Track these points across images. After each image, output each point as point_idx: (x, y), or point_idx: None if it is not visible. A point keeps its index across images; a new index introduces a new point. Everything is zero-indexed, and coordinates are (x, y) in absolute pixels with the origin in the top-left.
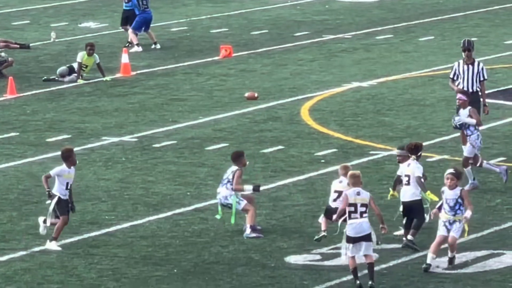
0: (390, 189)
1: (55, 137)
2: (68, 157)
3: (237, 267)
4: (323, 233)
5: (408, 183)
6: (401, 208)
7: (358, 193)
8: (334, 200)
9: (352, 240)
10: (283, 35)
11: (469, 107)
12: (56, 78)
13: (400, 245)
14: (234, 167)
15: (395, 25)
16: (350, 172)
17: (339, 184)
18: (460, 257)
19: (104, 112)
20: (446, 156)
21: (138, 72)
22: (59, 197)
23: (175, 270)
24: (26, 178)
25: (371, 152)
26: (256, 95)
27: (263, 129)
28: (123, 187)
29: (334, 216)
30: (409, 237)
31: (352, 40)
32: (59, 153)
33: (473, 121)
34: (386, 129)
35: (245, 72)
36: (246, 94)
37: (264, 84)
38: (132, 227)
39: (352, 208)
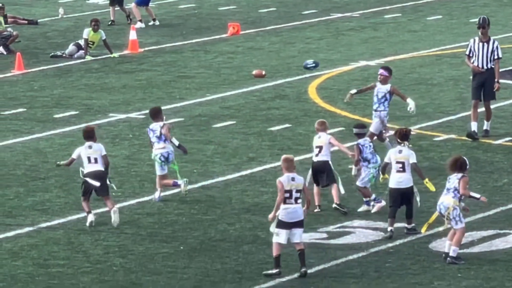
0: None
1: (63, 113)
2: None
3: (243, 245)
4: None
5: (403, 170)
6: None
7: (293, 179)
8: (316, 154)
9: (285, 225)
10: (291, 13)
11: (389, 84)
12: (64, 55)
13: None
14: (158, 123)
15: (403, 4)
16: (283, 157)
17: (319, 139)
18: (467, 237)
19: (111, 89)
20: (453, 136)
21: (146, 49)
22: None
23: (182, 247)
24: (33, 154)
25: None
26: (263, 73)
27: (271, 107)
28: (130, 163)
29: (271, 216)
30: (409, 226)
31: (360, 19)
32: (66, 129)
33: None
34: (394, 108)
35: (253, 50)
36: (254, 72)
37: (271, 62)
38: (138, 204)
39: (287, 194)
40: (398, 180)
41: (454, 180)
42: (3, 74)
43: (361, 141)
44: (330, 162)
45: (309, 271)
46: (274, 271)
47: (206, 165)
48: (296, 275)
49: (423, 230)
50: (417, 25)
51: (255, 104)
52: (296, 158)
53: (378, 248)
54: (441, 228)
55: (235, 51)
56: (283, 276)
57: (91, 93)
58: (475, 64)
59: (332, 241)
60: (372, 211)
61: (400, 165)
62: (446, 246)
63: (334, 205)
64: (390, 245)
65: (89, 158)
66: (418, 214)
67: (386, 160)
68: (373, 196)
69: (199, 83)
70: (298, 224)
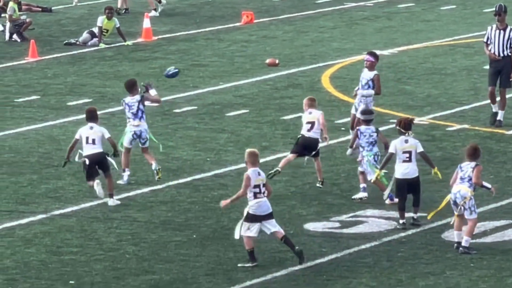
0: (377, 171)
1: (76, 101)
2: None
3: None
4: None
5: (409, 160)
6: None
7: (259, 173)
8: (308, 130)
9: (257, 219)
10: (305, 2)
11: (375, 72)
12: (78, 42)
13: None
14: (134, 97)
15: None
16: (248, 151)
17: (310, 115)
18: (479, 227)
19: (125, 77)
20: (466, 126)
21: (160, 37)
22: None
23: (194, 236)
24: (47, 142)
25: (391, 121)
26: (277, 61)
27: (284, 96)
28: None
29: (224, 202)
30: (415, 215)
31: (373, 8)
32: (80, 116)
33: (372, 92)
34: (407, 97)
35: (267, 39)
36: (267, 61)
37: (285, 51)
38: (152, 192)
39: (257, 189)
40: (404, 170)
41: (467, 169)
42: (17, 61)
43: (362, 127)
44: (319, 140)
45: (321, 260)
46: (250, 264)
47: (219, 153)
48: (309, 263)
49: (429, 217)
50: (431, 14)
51: (269, 93)
52: None
53: (391, 237)
54: (451, 221)
55: (248, 39)
56: (295, 264)
57: (104, 80)
58: (492, 51)
59: (345, 230)
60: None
61: (407, 155)
62: (455, 236)
63: (318, 184)
64: (402, 234)
65: (87, 139)
66: (431, 203)
67: (391, 150)
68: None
69: (212, 72)
70: (270, 216)
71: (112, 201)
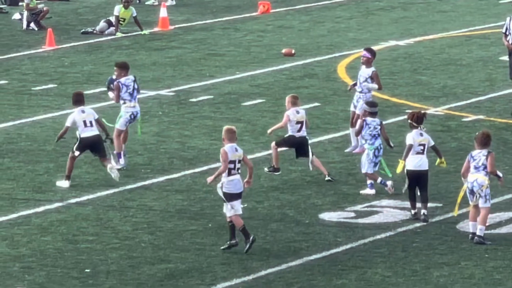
0: (401, 161)
1: (93, 90)
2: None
3: (271, 223)
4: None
5: (423, 152)
6: (407, 181)
7: (236, 149)
8: (299, 130)
9: (235, 196)
10: None
11: (372, 68)
12: (95, 31)
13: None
14: (130, 77)
15: None
16: (225, 128)
17: (299, 115)
18: (494, 218)
19: (141, 66)
20: (481, 116)
21: (176, 26)
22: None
23: (210, 225)
24: None
25: (407, 111)
26: (293, 51)
27: (300, 85)
28: (159, 140)
29: (209, 179)
30: (425, 212)
31: None
32: (96, 105)
33: (375, 87)
34: (423, 88)
35: (283, 29)
36: (283, 51)
37: (301, 41)
38: (167, 181)
39: (232, 165)
40: (418, 162)
41: (480, 157)
42: (34, 50)
43: (368, 119)
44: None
45: (336, 250)
46: (248, 242)
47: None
48: (324, 253)
49: (455, 213)
50: (447, 5)
51: (285, 83)
52: (325, 137)
53: (406, 227)
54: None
55: (265, 29)
56: (311, 254)
57: None
58: (510, 42)
59: (360, 220)
60: (390, 192)
61: (422, 147)
62: (470, 226)
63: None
64: (417, 225)
65: (84, 122)
66: (446, 194)
67: (410, 142)
68: (379, 179)
69: (229, 61)
70: (240, 195)
71: (115, 172)
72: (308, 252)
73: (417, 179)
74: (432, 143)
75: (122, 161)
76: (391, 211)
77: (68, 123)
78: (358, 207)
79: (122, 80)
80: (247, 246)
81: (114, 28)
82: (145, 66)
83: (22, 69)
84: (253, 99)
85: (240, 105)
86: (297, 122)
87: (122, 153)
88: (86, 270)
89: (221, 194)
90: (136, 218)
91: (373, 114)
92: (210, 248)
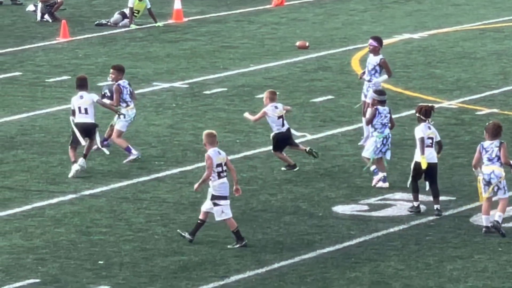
0: (422, 156)
1: (107, 82)
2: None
3: (284, 216)
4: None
5: (432, 145)
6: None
7: (219, 153)
8: (282, 125)
9: (226, 199)
10: None
11: (380, 56)
12: (109, 23)
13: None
14: (125, 81)
15: None
16: (206, 132)
17: (278, 110)
18: (508, 211)
19: (155, 58)
20: (495, 110)
21: (190, 18)
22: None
23: None
24: None
25: (421, 104)
26: (307, 44)
27: (314, 78)
28: (173, 133)
29: (196, 187)
30: (438, 206)
31: None
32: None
33: (385, 77)
34: (436, 81)
35: (297, 21)
36: (297, 43)
37: (315, 34)
38: (181, 173)
39: (220, 168)
40: (427, 155)
41: (492, 148)
42: (48, 41)
43: (380, 108)
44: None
45: (350, 243)
46: (239, 244)
47: (249, 135)
48: (337, 246)
49: (481, 200)
50: None
51: (298, 76)
52: (338, 130)
53: (419, 221)
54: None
55: (279, 22)
56: (324, 247)
57: (135, 61)
58: None
59: (373, 213)
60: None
61: (430, 141)
62: (483, 220)
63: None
64: (431, 218)
65: (79, 109)
66: (460, 187)
67: (422, 135)
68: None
69: (242, 54)
70: (227, 198)
71: (81, 161)
72: (322, 245)
73: (426, 172)
74: (439, 138)
75: (134, 151)
76: (404, 204)
77: (72, 106)
78: (372, 200)
79: (121, 82)
80: (238, 246)
81: (128, 20)
82: (159, 58)
83: (36, 61)
84: None
85: (254, 97)
86: (279, 117)
87: (128, 146)
88: (100, 262)
89: (209, 197)
90: (149, 210)
91: (382, 103)
92: (223, 241)
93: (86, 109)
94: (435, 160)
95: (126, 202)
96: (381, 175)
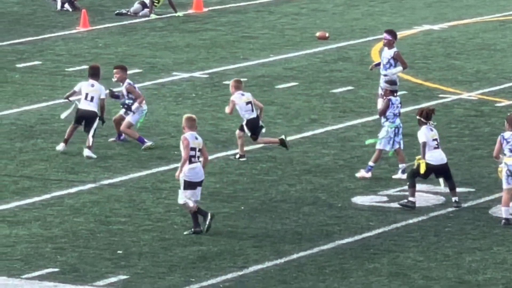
0: (422, 161)
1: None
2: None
3: (303, 206)
4: None
5: (438, 146)
6: (441, 180)
7: (196, 137)
8: (251, 111)
9: (193, 186)
10: None
11: (394, 49)
12: (129, 13)
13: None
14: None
15: None
16: (186, 116)
17: (244, 97)
18: None
19: (175, 48)
20: None
21: (210, 8)
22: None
23: (242, 207)
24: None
25: (441, 95)
26: (327, 35)
27: (333, 69)
28: None
29: (177, 174)
30: (456, 198)
31: None
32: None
33: (400, 69)
34: (456, 72)
35: (317, 12)
36: (317, 34)
37: (335, 24)
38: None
39: (193, 152)
40: (438, 157)
41: None
42: (68, 30)
43: (392, 98)
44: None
45: (369, 234)
46: (207, 219)
47: (268, 125)
48: (356, 237)
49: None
50: None
51: (318, 66)
52: (358, 121)
53: (438, 212)
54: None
55: (299, 12)
56: (343, 238)
57: (155, 51)
58: None
59: (393, 205)
60: (357, 174)
61: (436, 142)
62: (502, 212)
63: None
64: (450, 209)
65: (86, 95)
66: (479, 179)
67: (424, 139)
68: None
69: (262, 44)
70: (201, 183)
71: (61, 146)
72: (340, 235)
73: (442, 172)
74: (439, 140)
75: (147, 140)
76: (423, 196)
77: (76, 87)
78: (391, 191)
79: (129, 81)
80: (207, 223)
81: (148, 9)
82: (178, 48)
83: (56, 50)
84: (287, 82)
85: (274, 88)
86: (247, 103)
87: (140, 136)
88: (119, 252)
89: (181, 181)
90: (168, 200)
91: (394, 92)
92: (242, 231)
93: (92, 98)
94: (445, 161)
95: (145, 192)
96: (401, 166)
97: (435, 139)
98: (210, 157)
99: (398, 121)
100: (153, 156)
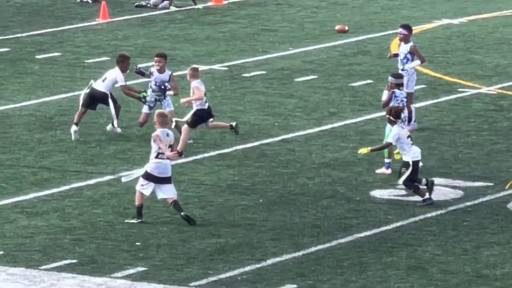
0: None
1: (146, 63)
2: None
3: (322, 199)
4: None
5: (412, 143)
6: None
7: (168, 135)
8: (206, 101)
9: (154, 179)
10: None
11: (410, 43)
12: (148, 5)
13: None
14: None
15: None
16: (157, 112)
17: (202, 87)
18: None
19: (195, 40)
20: None
21: (230, 1)
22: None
23: (261, 200)
24: None
25: (460, 90)
26: (346, 28)
27: (353, 62)
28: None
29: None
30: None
31: None
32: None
33: (417, 62)
34: (476, 67)
35: (337, 5)
36: (337, 27)
37: (355, 18)
38: (219, 156)
39: (161, 150)
40: (417, 153)
41: None
42: (88, 22)
43: (397, 91)
44: None
45: (387, 227)
46: (135, 220)
47: (287, 118)
48: (374, 230)
49: (507, 186)
50: None
51: (337, 59)
52: (377, 114)
53: (456, 206)
54: None
55: (318, 5)
56: (361, 231)
57: (174, 43)
58: None
59: (411, 198)
60: (377, 171)
61: (410, 139)
62: None
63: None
64: (468, 203)
65: (102, 76)
66: (497, 173)
67: (392, 141)
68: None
69: (282, 37)
70: (167, 180)
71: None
72: (359, 229)
73: (413, 169)
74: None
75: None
76: (442, 189)
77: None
78: None
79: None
80: (131, 221)
81: (167, 2)
82: (198, 41)
83: (76, 42)
84: (306, 75)
85: (293, 81)
86: (204, 94)
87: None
88: (137, 243)
89: (143, 170)
90: (187, 192)
91: (399, 86)
92: (260, 224)
93: (105, 79)
94: (419, 158)
95: None
96: (386, 160)
97: (409, 136)
98: (228, 150)
99: (402, 114)
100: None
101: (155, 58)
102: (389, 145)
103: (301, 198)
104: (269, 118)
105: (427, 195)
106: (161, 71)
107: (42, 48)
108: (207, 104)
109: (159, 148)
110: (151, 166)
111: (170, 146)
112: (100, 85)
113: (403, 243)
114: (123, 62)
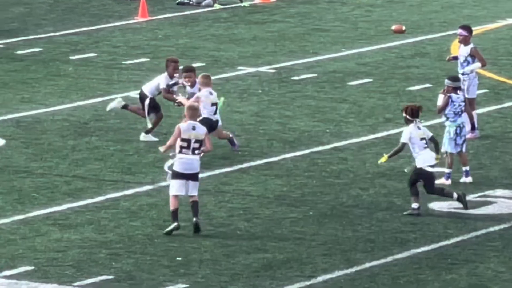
0: (385, 154)
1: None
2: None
3: (377, 212)
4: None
5: (427, 146)
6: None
7: (194, 128)
8: (215, 113)
9: (180, 176)
10: None
11: (471, 46)
12: (191, 2)
13: None
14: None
15: None
16: (188, 104)
17: (212, 96)
18: None
19: (240, 40)
20: None
21: None
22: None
23: (311, 212)
24: None
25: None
26: (403, 28)
27: (410, 65)
28: (258, 121)
29: (162, 148)
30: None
31: None
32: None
33: (478, 65)
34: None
35: (393, 3)
36: (393, 27)
37: (412, 17)
38: (266, 165)
39: (185, 144)
40: (426, 157)
41: None
42: (126, 21)
43: (454, 95)
44: None
45: (446, 242)
46: (171, 225)
47: (340, 125)
48: (433, 245)
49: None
50: None
51: (394, 62)
52: (436, 121)
53: None
54: None
55: (373, 4)
56: (418, 246)
57: (218, 44)
58: None
59: (472, 211)
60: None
61: (424, 141)
62: None
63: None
64: None
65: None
66: None
67: (405, 140)
68: (448, 170)
69: (334, 37)
70: (193, 177)
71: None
72: (416, 244)
73: (426, 177)
74: (430, 134)
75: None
76: (506, 202)
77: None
78: (470, 197)
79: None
80: (170, 228)
81: None
82: (244, 41)
83: (113, 42)
84: (360, 78)
85: (346, 84)
86: (212, 104)
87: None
88: (178, 258)
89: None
90: (231, 203)
91: (456, 89)
92: (310, 238)
93: (150, 80)
94: (434, 162)
95: (207, 195)
96: (446, 170)
97: (423, 138)
98: (276, 158)
99: (459, 120)
100: (215, 157)
101: (184, 74)
102: (403, 146)
103: (354, 210)
104: (320, 125)
105: (417, 205)
106: (192, 86)
107: (77, 48)
108: (217, 116)
109: (182, 140)
110: (176, 163)
111: (198, 142)
112: (143, 87)
113: (464, 260)
114: (168, 67)
